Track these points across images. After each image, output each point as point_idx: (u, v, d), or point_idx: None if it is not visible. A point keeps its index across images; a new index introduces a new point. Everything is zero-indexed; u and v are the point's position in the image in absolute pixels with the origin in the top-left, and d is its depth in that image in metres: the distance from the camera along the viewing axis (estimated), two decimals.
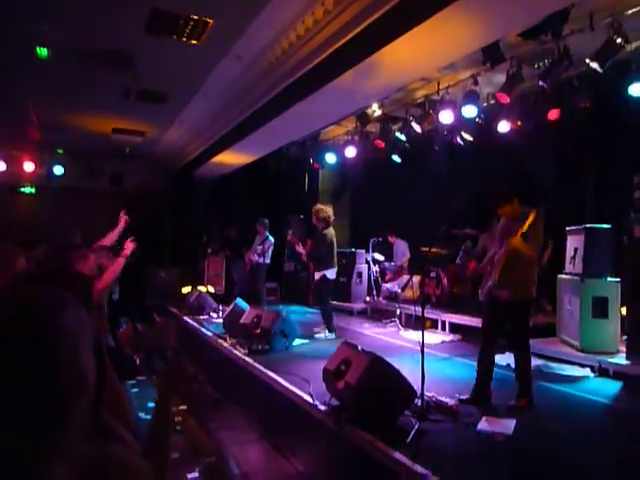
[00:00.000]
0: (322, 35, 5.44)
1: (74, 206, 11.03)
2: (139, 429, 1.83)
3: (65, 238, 3.60)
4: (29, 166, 10.92)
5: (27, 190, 11.66)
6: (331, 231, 6.95)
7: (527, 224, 3.87)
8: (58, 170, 11.19)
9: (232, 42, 5.93)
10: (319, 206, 7.14)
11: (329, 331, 6.93)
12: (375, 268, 9.45)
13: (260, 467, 4.24)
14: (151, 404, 1.99)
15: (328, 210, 6.98)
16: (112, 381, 1.83)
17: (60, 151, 11.40)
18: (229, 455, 4.33)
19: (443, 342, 6.78)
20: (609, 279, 5.46)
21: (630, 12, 4.82)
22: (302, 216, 10.73)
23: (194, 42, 5.87)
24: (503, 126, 6.73)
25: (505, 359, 5.24)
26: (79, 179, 11.42)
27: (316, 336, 6.89)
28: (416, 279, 7.92)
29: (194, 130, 9.71)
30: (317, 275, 6.99)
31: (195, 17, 5.36)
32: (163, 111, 8.45)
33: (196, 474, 3.89)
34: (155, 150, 11.42)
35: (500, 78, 6.16)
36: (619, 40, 4.95)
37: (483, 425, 3.54)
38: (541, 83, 5.66)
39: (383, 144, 8.35)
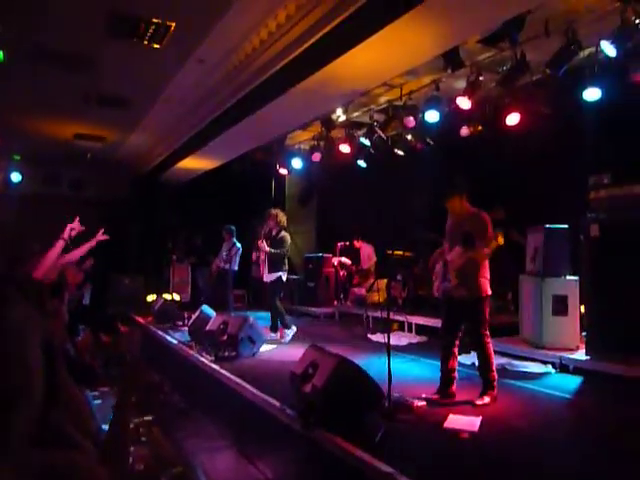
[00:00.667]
0: (285, 39, 5.46)
1: (33, 213, 10.67)
2: (101, 440, 1.77)
3: (22, 248, 3.43)
4: None
5: None
6: (287, 235, 7.13)
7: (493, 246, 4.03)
8: (15, 177, 10.84)
9: (194, 45, 5.88)
10: (276, 210, 7.29)
11: (288, 328, 7.00)
12: (342, 272, 9.49)
13: (229, 475, 4.17)
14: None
15: (284, 215, 7.26)
16: (70, 388, 1.77)
17: (17, 157, 11.04)
18: (197, 464, 4.25)
19: (410, 343, 6.86)
20: (568, 277, 5.62)
21: (584, 19, 5.02)
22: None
23: (156, 46, 5.80)
24: (465, 130, 6.88)
25: (470, 358, 5.34)
26: (38, 185, 11.09)
27: (282, 340, 6.87)
28: (382, 282, 7.99)
29: (158, 135, 9.57)
30: (271, 276, 7.04)
31: (156, 20, 5.30)
32: (125, 116, 8.30)
33: None
34: (118, 155, 11.19)
35: (461, 84, 6.30)
36: (573, 46, 5.14)
37: (449, 423, 3.59)
38: (500, 88, 5.82)
39: (348, 149, 8.41)
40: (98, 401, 5.07)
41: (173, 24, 5.36)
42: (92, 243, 3.95)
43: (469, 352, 5.43)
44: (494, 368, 4.21)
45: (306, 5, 4.94)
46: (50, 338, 1.72)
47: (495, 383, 4.17)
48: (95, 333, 4.52)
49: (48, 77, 6.69)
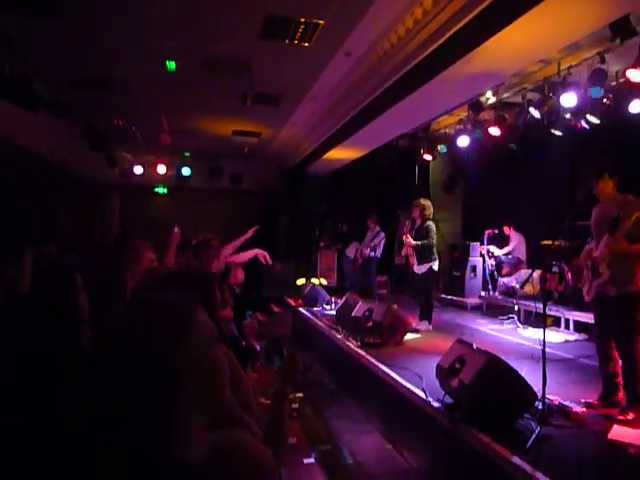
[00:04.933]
0: (432, 26, 5.31)
1: (200, 204, 12.05)
2: (259, 413, 1.99)
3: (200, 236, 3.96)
4: (161, 169, 12.09)
5: (160, 190, 12.90)
6: (432, 224, 7.09)
7: (632, 221, 3.53)
8: (186, 171, 12.26)
9: (341, 41, 6.02)
10: (425, 201, 7.27)
11: (429, 322, 7.04)
12: (490, 261, 9.09)
13: (373, 458, 4.32)
14: (270, 389, 2.17)
15: (430, 206, 7.23)
16: (235, 369, 2.01)
17: (187, 154, 12.43)
18: (343, 444, 4.47)
19: (566, 341, 6.36)
20: None
21: None
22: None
23: (305, 44, 6.05)
24: (636, 106, 6.09)
25: None
26: (204, 179, 12.38)
27: (418, 328, 6.87)
28: (536, 274, 7.50)
29: (306, 129, 10.01)
30: (422, 268, 7.05)
31: (306, 20, 5.53)
32: (277, 112, 8.82)
33: (312, 460, 4.07)
34: (270, 149, 11.97)
35: (632, 53, 5.57)
36: None
37: (614, 434, 3.28)
38: None
39: (498, 132, 7.95)
40: (255, 375, 5.56)
41: (322, 22, 5.55)
42: (241, 240, 4.42)
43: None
44: (633, 387, 3.69)
45: None
46: (222, 327, 1.96)
47: None
48: (253, 314, 4.96)
49: (211, 81, 7.39)
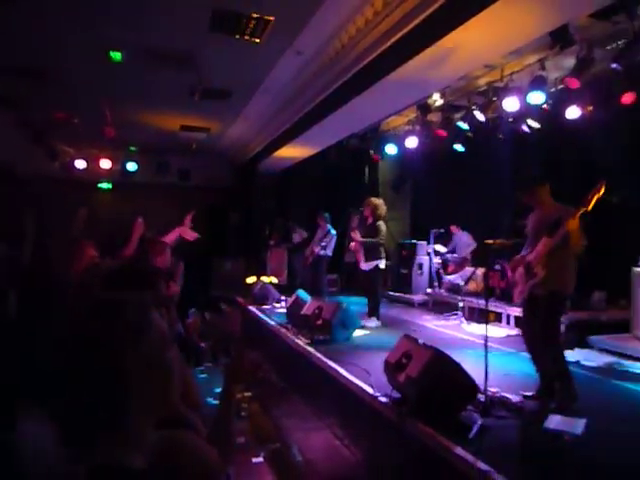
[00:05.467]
0: (382, 26, 5.39)
1: (146, 200, 11.68)
2: (207, 413, 1.96)
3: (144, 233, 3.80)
4: (106, 163, 11.64)
5: (104, 186, 12.42)
6: (382, 224, 7.22)
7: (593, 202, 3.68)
8: (131, 166, 11.84)
9: (293, 38, 6.00)
10: (378, 200, 7.39)
11: (377, 318, 7.20)
12: (437, 260, 9.33)
13: (322, 455, 4.34)
14: (218, 389, 2.13)
15: (384, 206, 7.34)
16: (182, 367, 1.96)
17: (133, 148, 12.02)
18: (292, 442, 4.47)
19: (508, 336, 6.61)
20: None
21: None
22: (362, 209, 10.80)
23: (256, 40, 5.99)
24: (572, 112, 6.41)
25: (575, 355, 5.07)
26: (150, 174, 12.01)
27: (367, 325, 6.98)
28: (480, 271, 7.76)
29: (257, 125, 9.92)
30: (368, 265, 7.17)
31: (256, 15, 5.47)
32: (227, 108, 8.70)
33: (261, 459, 4.04)
34: (220, 145, 11.78)
35: (569, 61, 5.87)
36: None
37: (550, 423, 3.44)
38: (614, 65, 5.35)
39: (445, 133, 8.18)
40: (204, 375, 5.47)
41: (272, 18, 5.51)
42: (182, 227, 4.25)
43: (573, 349, 5.15)
44: (567, 372, 3.91)
45: None
46: (172, 326, 1.91)
47: (571, 388, 3.85)
48: (201, 313, 4.86)
49: (158, 74, 7.18)
